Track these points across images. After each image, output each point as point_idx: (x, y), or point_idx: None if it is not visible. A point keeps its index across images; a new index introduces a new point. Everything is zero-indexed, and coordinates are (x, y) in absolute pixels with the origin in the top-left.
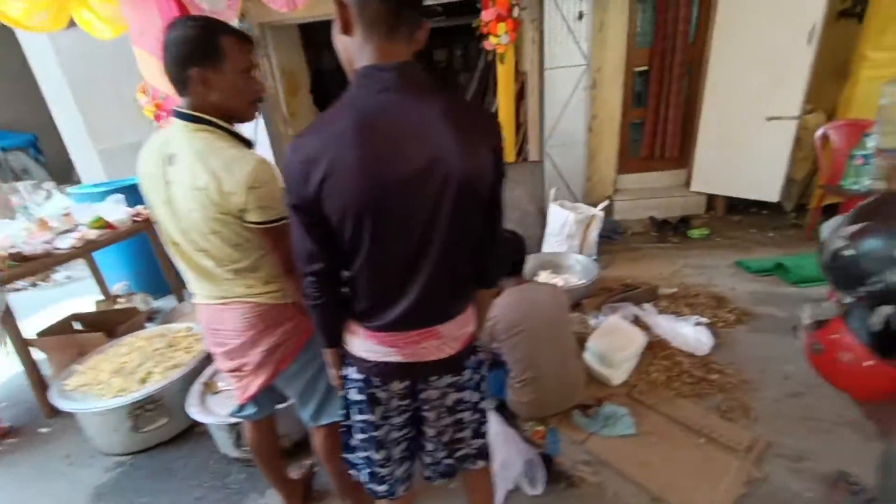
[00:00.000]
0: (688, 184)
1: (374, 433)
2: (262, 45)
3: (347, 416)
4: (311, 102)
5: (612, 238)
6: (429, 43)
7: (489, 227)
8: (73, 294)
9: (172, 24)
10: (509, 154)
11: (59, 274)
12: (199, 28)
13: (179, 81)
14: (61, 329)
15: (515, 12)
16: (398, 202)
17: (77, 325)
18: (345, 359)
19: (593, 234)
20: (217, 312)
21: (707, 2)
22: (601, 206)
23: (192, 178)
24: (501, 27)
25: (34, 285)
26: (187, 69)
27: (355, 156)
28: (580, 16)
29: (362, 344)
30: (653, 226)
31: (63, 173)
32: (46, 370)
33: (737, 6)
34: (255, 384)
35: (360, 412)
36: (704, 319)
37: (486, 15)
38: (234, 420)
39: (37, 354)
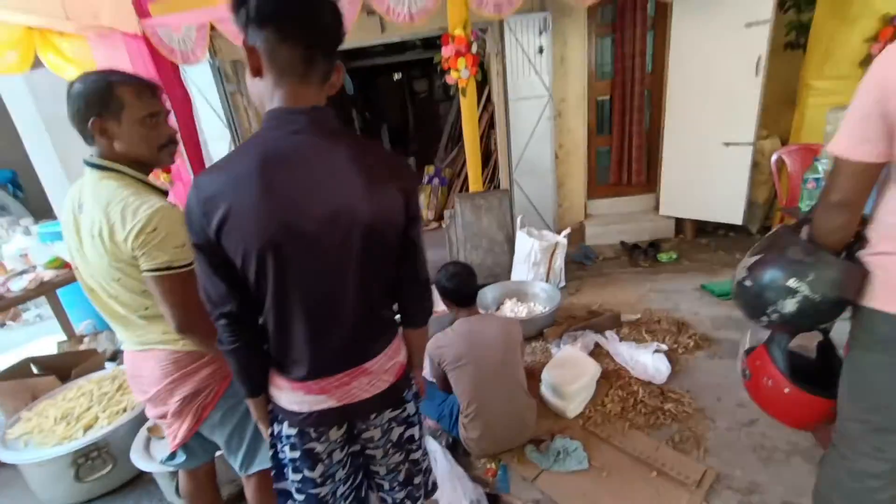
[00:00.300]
0: (657, 208)
1: (314, 490)
2: (235, 81)
3: (281, 477)
4: None
5: (585, 263)
6: (410, 74)
7: (407, 268)
8: (42, 334)
9: (75, 79)
10: (477, 183)
11: (30, 313)
12: (96, 81)
13: (83, 133)
14: (17, 373)
15: (474, 48)
16: (302, 246)
17: (35, 368)
18: (273, 413)
19: (558, 261)
20: (136, 359)
21: (662, 36)
22: (564, 233)
23: (92, 225)
24: (461, 62)
25: (2, 325)
26: (87, 121)
27: (257, 198)
28: (540, 50)
29: (290, 396)
30: (624, 250)
31: (43, 209)
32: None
33: (688, 40)
34: (180, 432)
35: (296, 470)
36: (664, 346)
37: (446, 51)
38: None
39: None
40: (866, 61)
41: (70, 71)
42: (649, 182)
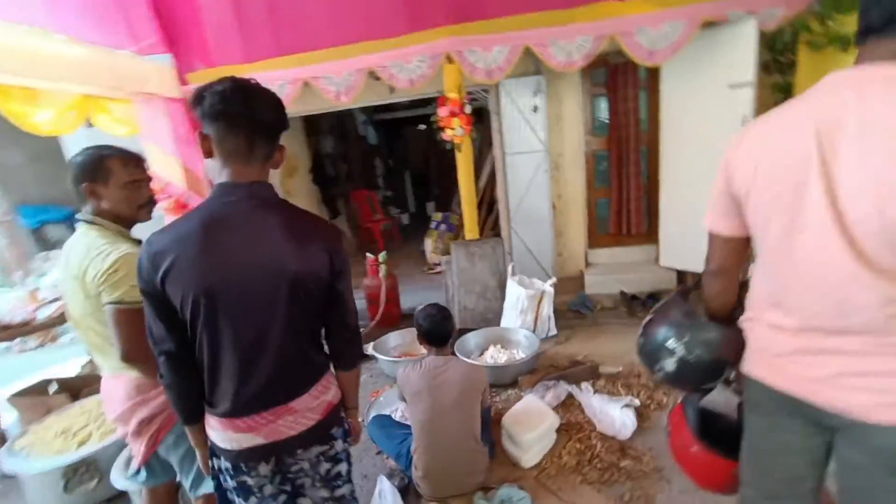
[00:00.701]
0: (658, 259)
1: None
2: None
3: (224, 502)
4: (309, 182)
5: (583, 312)
6: (433, 126)
7: (335, 317)
8: (72, 356)
9: (78, 153)
10: (473, 231)
11: (66, 336)
12: (92, 154)
13: (77, 194)
14: (37, 390)
15: (468, 109)
16: (233, 295)
17: (55, 387)
18: (211, 449)
19: (546, 309)
20: (108, 382)
21: (654, 95)
22: (550, 282)
23: (72, 268)
24: (456, 121)
25: (41, 346)
26: (80, 185)
27: (196, 252)
28: (535, 109)
29: (222, 435)
30: (623, 301)
31: None
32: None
33: (677, 100)
34: (140, 451)
35: (237, 498)
36: (636, 402)
37: (442, 111)
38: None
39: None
40: None
41: (118, 129)
42: (650, 233)
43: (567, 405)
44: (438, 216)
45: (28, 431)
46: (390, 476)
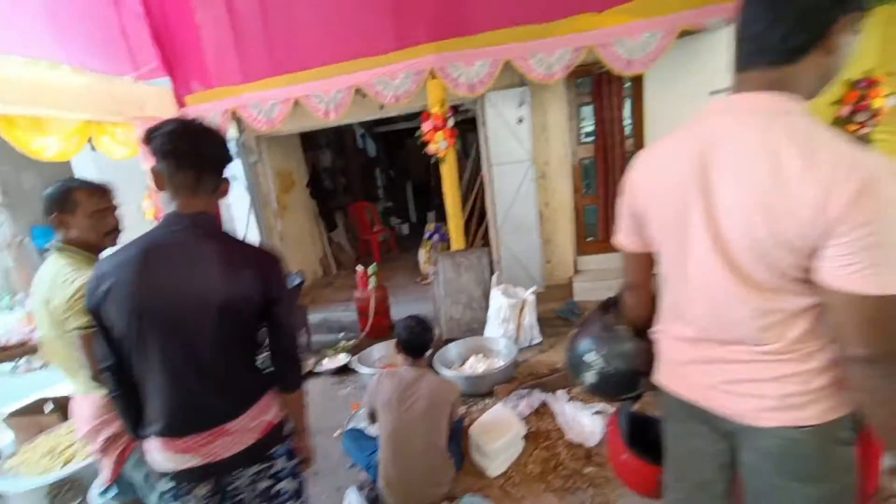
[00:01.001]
0: None
1: None
2: (256, 153)
3: None
4: (305, 196)
5: (571, 319)
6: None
7: (275, 340)
8: None
9: (50, 186)
10: (459, 241)
11: None
12: (61, 186)
13: (48, 224)
14: (31, 409)
15: (451, 123)
16: (164, 317)
17: (50, 406)
18: (154, 470)
19: (528, 317)
20: (77, 402)
21: (639, 103)
22: (531, 290)
23: (41, 294)
24: (439, 135)
25: (44, 366)
26: (50, 215)
27: (132, 276)
28: (520, 120)
29: (161, 456)
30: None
31: None
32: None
33: (661, 108)
34: (107, 469)
35: None
36: (610, 408)
37: (426, 126)
38: None
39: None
40: (836, 123)
41: (119, 151)
42: None
43: (541, 413)
44: (431, 226)
45: (18, 451)
46: (361, 488)
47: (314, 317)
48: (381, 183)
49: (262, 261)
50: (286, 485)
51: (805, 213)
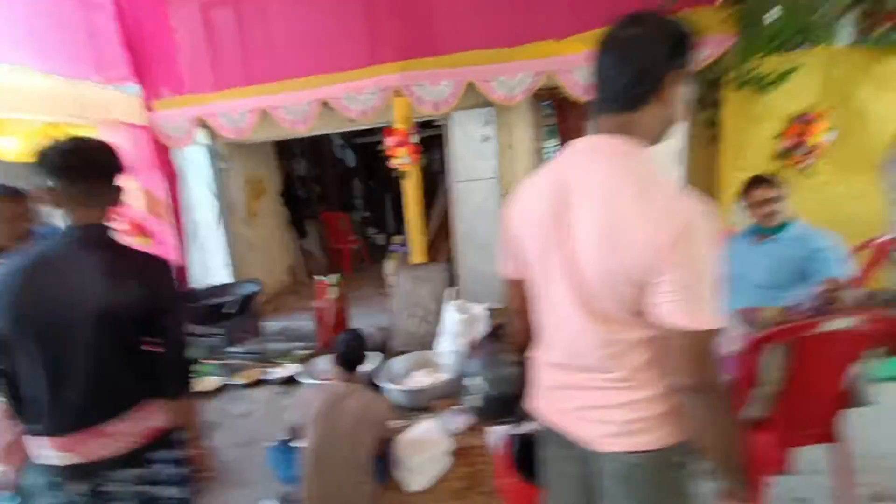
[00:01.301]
0: None
1: None
2: (226, 160)
3: None
4: (276, 204)
5: None
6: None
7: (161, 349)
8: None
9: None
10: (419, 255)
11: None
12: None
13: None
14: None
15: (415, 139)
16: (44, 324)
17: None
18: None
19: (480, 333)
20: None
21: None
22: (484, 306)
23: None
24: (402, 151)
25: None
26: None
27: (19, 284)
28: (485, 139)
29: (45, 452)
30: None
31: None
32: None
33: None
34: (10, 476)
35: None
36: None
37: (389, 141)
38: None
39: None
40: (777, 156)
41: None
42: None
43: (477, 428)
44: (399, 239)
45: None
46: (283, 500)
47: (274, 325)
48: (359, 193)
49: (150, 270)
50: (171, 491)
51: (639, 246)
